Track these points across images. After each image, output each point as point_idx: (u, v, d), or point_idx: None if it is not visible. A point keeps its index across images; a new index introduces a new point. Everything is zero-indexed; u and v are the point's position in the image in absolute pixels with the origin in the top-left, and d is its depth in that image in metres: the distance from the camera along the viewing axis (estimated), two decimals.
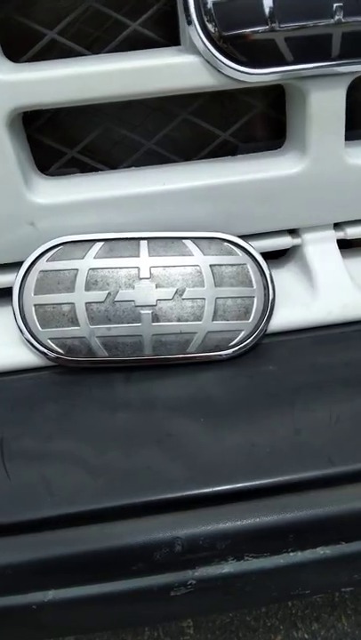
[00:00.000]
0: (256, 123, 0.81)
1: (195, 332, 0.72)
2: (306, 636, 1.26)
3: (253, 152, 0.81)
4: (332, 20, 0.65)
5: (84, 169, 0.79)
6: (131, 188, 0.75)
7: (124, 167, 0.79)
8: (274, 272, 0.83)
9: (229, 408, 0.68)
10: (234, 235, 0.78)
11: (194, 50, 0.67)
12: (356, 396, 0.69)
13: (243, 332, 0.74)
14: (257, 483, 0.62)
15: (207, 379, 0.72)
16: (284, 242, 0.84)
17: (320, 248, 0.84)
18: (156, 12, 0.71)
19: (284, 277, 0.85)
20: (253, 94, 0.77)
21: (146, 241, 0.72)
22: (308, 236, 0.84)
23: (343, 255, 0.85)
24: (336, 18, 0.65)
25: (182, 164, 0.79)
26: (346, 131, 0.75)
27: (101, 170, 0.80)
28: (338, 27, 0.65)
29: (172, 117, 0.78)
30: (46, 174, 0.78)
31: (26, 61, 0.71)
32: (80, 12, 0.70)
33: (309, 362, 0.74)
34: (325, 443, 0.65)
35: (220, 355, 0.74)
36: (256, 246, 0.81)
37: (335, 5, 0.64)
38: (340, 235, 0.85)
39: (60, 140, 0.77)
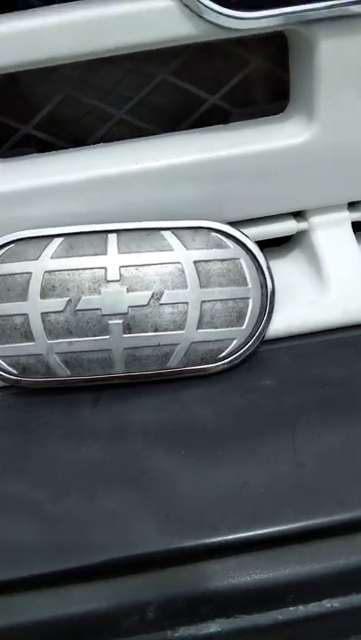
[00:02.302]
0: (252, 82, 0.67)
1: (176, 344, 0.60)
2: None
3: (249, 119, 0.67)
4: None
5: (44, 148, 0.66)
6: (96, 169, 0.62)
7: (91, 144, 0.66)
8: (276, 263, 0.71)
9: (216, 436, 0.56)
10: (225, 221, 0.64)
11: None
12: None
13: (235, 341, 0.61)
14: (249, 534, 0.51)
15: (191, 399, 0.60)
16: (287, 227, 0.71)
17: (331, 233, 0.70)
18: None
19: (287, 269, 0.72)
20: (247, 46, 0.63)
21: (115, 234, 0.60)
22: (316, 220, 0.71)
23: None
24: None
25: (160, 137, 0.65)
26: None
27: (64, 148, 0.66)
28: None
29: (148, 79, 0.64)
30: None
31: None
32: None
33: (317, 374, 0.61)
34: (334, 479, 0.53)
35: (207, 369, 0.61)
36: (253, 233, 0.67)
37: None
38: (356, 216, 0.71)
39: (11, 113, 0.64)
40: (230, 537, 0.51)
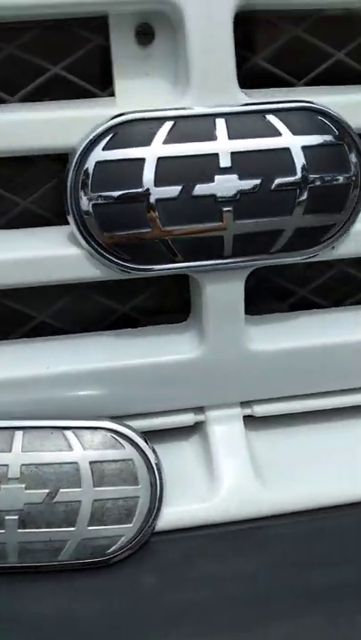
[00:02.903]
0: (160, 296, 0.78)
1: (67, 540, 0.65)
2: None
3: (156, 324, 0.77)
4: (219, 223, 0.62)
5: None
6: (10, 371, 0.69)
7: (12, 339, 0.74)
8: (175, 447, 0.78)
9: (94, 637, 0.60)
10: (128, 413, 0.72)
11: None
12: (239, 627, 0.62)
13: (123, 538, 0.67)
14: None
15: (78, 593, 0.65)
16: (186, 419, 0.79)
17: (224, 428, 0.79)
18: (46, 190, 0.68)
19: (184, 457, 0.79)
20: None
21: (21, 432, 0.66)
22: (212, 414, 0.79)
23: (256, 426, 0.80)
24: (225, 221, 0.62)
25: (71, 341, 0.74)
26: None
27: None
28: (228, 229, 0.63)
29: (66, 291, 0.74)
30: None
31: None
32: None
33: (196, 572, 0.67)
34: None
35: (96, 563, 0.66)
36: (154, 424, 0.76)
37: (224, 210, 0.61)
38: (248, 412, 0.80)
39: None
40: None
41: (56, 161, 0.65)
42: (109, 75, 0.64)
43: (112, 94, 0.65)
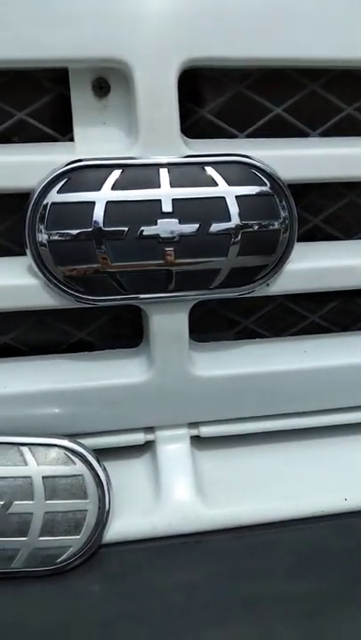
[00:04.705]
0: (114, 323, 0.84)
1: (19, 549, 0.70)
2: None
3: (111, 348, 0.83)
4: (162, 261, 0.69)
5: None
6: None
7: None
8: (127, 464, 0.84)
9: None
10: (81, 432, 0.78)
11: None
12: (175, 635, 0.67)
13: (72, 549, 0.72)
14: None
15: (27, 598, 0.70)
16: (136, 438, 0.84)
17: (172, 448, 0.85)
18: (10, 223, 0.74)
19: (134, 473, 0.85)
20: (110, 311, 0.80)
21: None
22: (162, 434, 0.85)
23: (204, 445, 0.86)
24: (167, 259, 0.69)
25: (29, 362, 0.79)
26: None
27: None
28: (170, 267, 0.69)
29: (25, 316, 0.79)
30: None
31: None
32: None
33: (138, 582, 0.72)
34: None
35: (46, 571, 0.71)
36: (106, 442, 0.81)
37: (166, 250, 0.68)
38: (195, 432, 0.86)
39: None
40: None
41: (20, 196, 0.72)
42: (70, 121, 0.71)
43: (72, 139, 0.71)
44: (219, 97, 0.76)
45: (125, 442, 0.84)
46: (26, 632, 0.67)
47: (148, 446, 0.87)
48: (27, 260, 0.72)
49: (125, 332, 0.85)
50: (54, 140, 0.73)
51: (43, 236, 0.66)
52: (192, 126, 0.75)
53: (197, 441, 0.87)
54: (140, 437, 0.85)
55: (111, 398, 0.79)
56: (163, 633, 0.68)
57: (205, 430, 0.86)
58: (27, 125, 0.72)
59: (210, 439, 0.88)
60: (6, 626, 0.67)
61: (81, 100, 0.70)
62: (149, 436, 0.85)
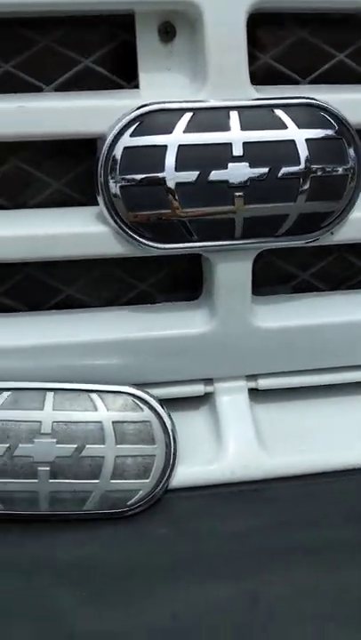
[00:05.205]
0: (175, 275, 0.84)
1: (91, 491, 0.72)
2: None
3: (171, 301, 0.84)
4: (232, 207, 0.69)
5: (4, 309, 0.81)
6: (44, 337, 0.76)
7: (43, 310, 0.81)
8: (186, 416, 0.85)
9: (111, 580, 0.66)
10: (145, 381, 0.79)
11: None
12: (239, 576, 0.68)
13: (141, 492, 0.74)
14: None
15: (99, 540, 0.71)
16: (196, 389, 0.85)
17: (231, 399, 0.85)
18: (79, 172, 0.74)
19: (195, 424, 0.86)
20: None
21: (52, 393, 0.73)
22: (220, 386, 0.86)
23: (261, 399, 0.87)
24: (237, 205, 0.69)
25: (98, 313, 0.81)
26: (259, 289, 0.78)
27: (20, 310, 0.81)
28: (239, 212, 0.69)
29: (92, 267, 0.80)
30: None
31: None
32: (5, 168, 0.73)
33: (203, 526, 0.73)
34: (202, 631, 0.62)
35: (116, 514, 0.73)
36: (167, 393, 0.82)
37: (236, 195, 0.68)
38: (252, 385, 0.87)
39: None
40: None
41: (82, 147, 0.72)
42: (135, 68, 0.71)
43: (137, 86, 0.71)
44: (281, 42, 0.75)
45: (185, 393, 0.85)
46: (98, 572, 0.68)
47: (205, 398, 0.88)
48: (94, 210, 0.73)
49: (183, 285, 0.85)
50: (119, 87, 0.73)
51: (114, 182, 0.67)
52: (254, 73, 0.74)
53: (254, 394, 0.88)
54: (200, 389, 0.85)
55: (173, 349, 0.80)
56: (229, 574, 0.70)
57: (263, 383, 0.87)
58: (92, 73, 0.72)
59: (266, 392, 0.88)
60: (79, 566, 0.69)
61: (147, 45, 0.70)
62: (208, 388, 0.86)
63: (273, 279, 0.86)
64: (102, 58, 0.72)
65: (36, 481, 0.71)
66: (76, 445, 0.72)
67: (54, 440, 0.72)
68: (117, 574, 0.68)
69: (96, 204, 0.74)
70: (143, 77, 0.70)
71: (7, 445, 0.71)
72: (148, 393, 0.77)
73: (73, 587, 0.65)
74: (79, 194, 0.74)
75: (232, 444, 0.81)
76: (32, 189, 0.75)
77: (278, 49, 0.75)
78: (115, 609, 0.64)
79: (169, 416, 0.77)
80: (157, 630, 0.62)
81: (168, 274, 0.83)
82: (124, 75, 0.73)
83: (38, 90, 0.71)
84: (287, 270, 0.86)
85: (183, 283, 0.85)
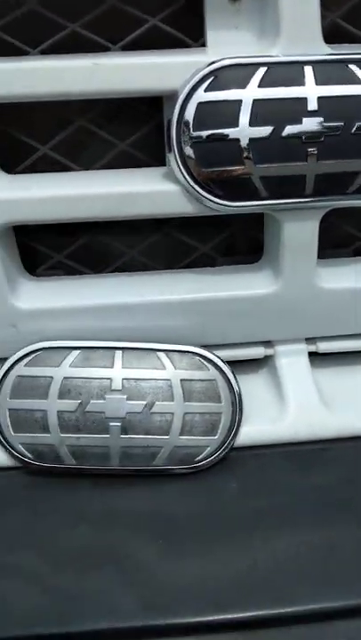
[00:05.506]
0: (236, 238, 0.85)
1: (161, 447, 0.73)
2: None
3: (232, 264, 0.84)
4: (305, 163, 0.68)
5: (71, 272, 0.82)
6: (111, 297, 0.77)
7: (108, 272, 0.82)
8: (246, 378, 0.85)
9: (188, 531, 0.68)
10: (207, 343, 0.80)
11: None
12: (312, 527, 0.69)
13: (209, 448, 0.75)
14: (207, 619, 0.62)
15: (170, 494, 0.73)
16: (257, 352, 0.86)
17: (292, 361, 0.86)
18: (145, 132, 0.75)
19: (255, 386, 0.87)
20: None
21: (121, 351, 0.74)
22: (280, 348, 0.86)
23: (318, 363, 0.87)
24: (309, 161, 0.68)
25: (161, 276, 0.82)
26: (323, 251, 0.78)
27: (86, 274, 0.82)
28: (311, 169, 0.69)
29: (154, 230, 0.81)
30: (35, 275, 0.80)
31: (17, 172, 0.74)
32: (72, 130, 0.74)
33: (272, 481, 0.75)
34: (281, 578, 0.64)
35: (185, 469, 0.74)
36: (229, 355, 0.83)
37: (309, 150, 0.68)
38: (312, 348, 0.87)
39: (48, 244, 0.80)
40: (191, 620, 0.62)
41: (149, 106, 0.72)
42: (201, 27, 0.71)
43: (203, 45, 0.71)
44: (347, 2, 0.74)
45: (246, 355, 0.86)
46: (174, 523, 0.70)
47: (265, 361, 0.89)
48: (160, 170, 0.74)
49: (242, 248, 0.85)
50: (186, 45, 0.73)
51: (188, 137, 0.67)
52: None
53: (313, 357, 0.88)
54: (260, 351, 0.86)
55: (237, 310, 0.81)
56: (303, 524, 0.71)
57: (323, 346, 0.87)
58: (160, 31, 0.72)
59: (324, 356, 0.89)
60: (155, 518, 0.70)
61: (214, 3, 0.69)
62: (269, 351, 0.87)
63: (335, 242, 0.86)
64: (169, 17, 0.71)
65: (107, 436, 0.72)
66: (145, 402, 0.73)
67: (125, 396, 0.73)
68: (194, 525, 0.70)
69: (161, 164, 0.74)
70: (211, 35, 0.70)
71: (79, 402, 0.72)
72: (213, 353, 0.78)
73: (151, 537, 0.67)
74: (144, 154, 0.75)
75: (295, 404, 0.82)
76: (98, 150, 0.76)
77: (345, 7, 0.74)
78: (196, 558, 0.65)
79: (234, 375, 0.77)
80: (240, 577, 0.64)
81: (228, 236, 0.84)
82: (191, 33, 0.73)
83: (106, 49, 0.71)
84: (349, 232, 0.85)
85: (242, 246, 0.85)
